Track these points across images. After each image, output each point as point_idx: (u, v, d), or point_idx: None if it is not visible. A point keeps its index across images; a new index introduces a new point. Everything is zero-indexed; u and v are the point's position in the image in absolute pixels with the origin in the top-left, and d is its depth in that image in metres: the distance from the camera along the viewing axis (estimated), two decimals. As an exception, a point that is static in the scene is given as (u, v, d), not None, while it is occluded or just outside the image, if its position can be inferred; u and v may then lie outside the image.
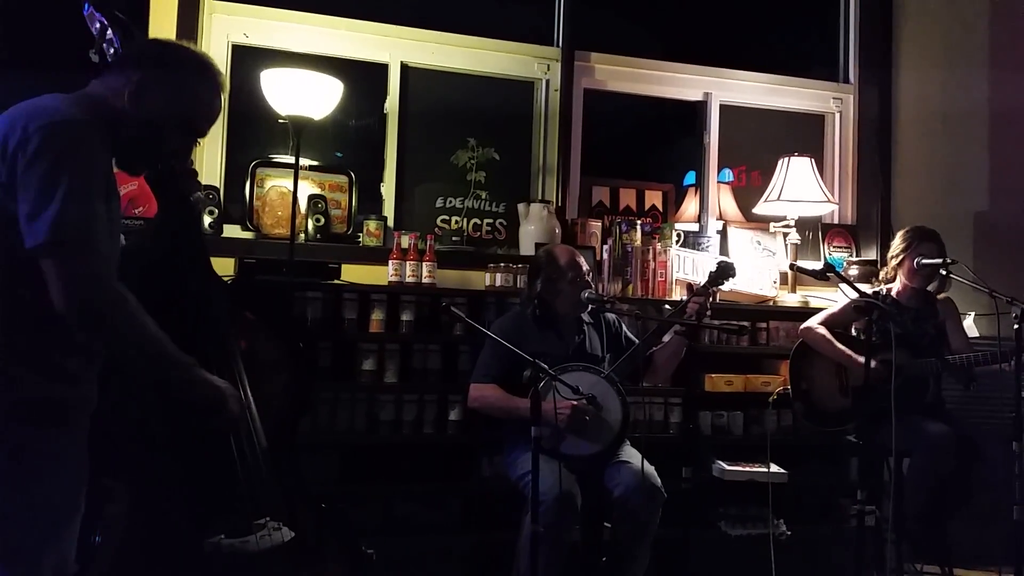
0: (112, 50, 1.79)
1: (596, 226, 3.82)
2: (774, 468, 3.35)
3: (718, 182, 4.30)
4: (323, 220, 3.54)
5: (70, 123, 1.55)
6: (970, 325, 3.68)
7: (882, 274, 3.54)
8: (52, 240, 1.48)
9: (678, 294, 3.70)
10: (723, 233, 4.11)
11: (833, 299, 3.76)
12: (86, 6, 1.82)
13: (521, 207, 3.80)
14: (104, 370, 1.70)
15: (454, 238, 3.78)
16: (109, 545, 1.84)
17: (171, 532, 1.85)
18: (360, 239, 3.60)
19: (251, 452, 1.91)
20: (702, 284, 3.12)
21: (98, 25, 1.81)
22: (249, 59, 3.61)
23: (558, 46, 4.06)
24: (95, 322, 1.56)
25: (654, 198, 4.23)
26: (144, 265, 1.90)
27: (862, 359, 2.91)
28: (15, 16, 3.11)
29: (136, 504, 1.88)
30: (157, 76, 1.70)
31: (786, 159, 3.97)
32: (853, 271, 3.94)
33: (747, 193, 4.32)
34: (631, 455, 2.91)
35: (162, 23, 3.39)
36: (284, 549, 1.88)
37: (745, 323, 3.41)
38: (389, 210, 3.77)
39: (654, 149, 4.78)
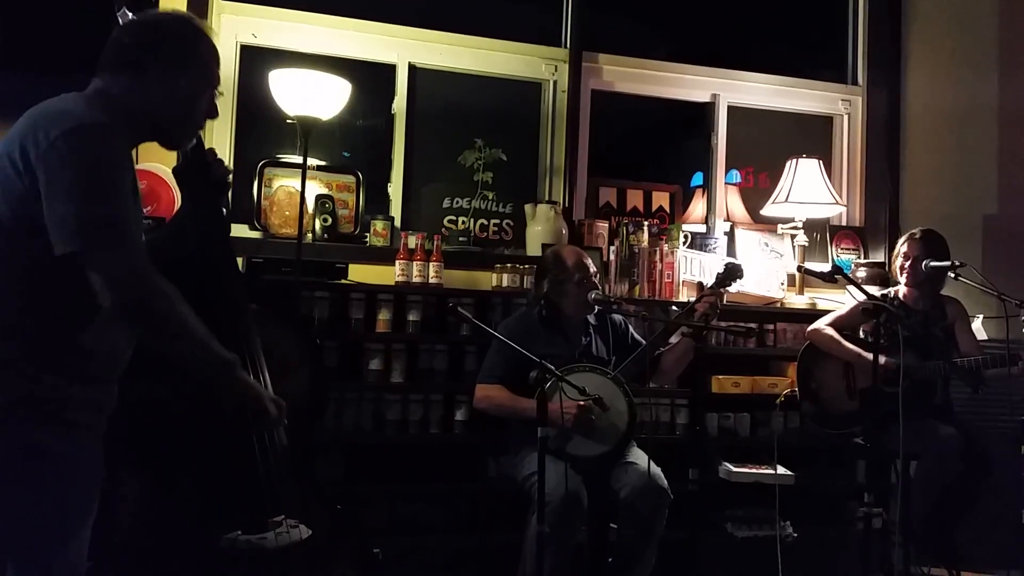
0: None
1: (603, 227, 3.81)
2: (781, 470, 3.35)
3: (726, 183, 4.29)
4: (330, 220, 3.55)
5: (93, 127, 1.55)
6: (978, 328, 3.67)
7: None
8: (92, 244, 1.50)
9: (685, 295, 3.69)
10: (730, 235, 4.10)
11: (841, 301, 3.75)
12: (119, 7, 1.82)
13: (528, 208, 3.80)
14: (127, 367, 1.70)
15: (461, 238, 3.78)
16: (125, 539, 1.84)
17: (189, 528, 1.85)
18: (367, 239, 3.60)
19: (272, 449, 1.91)
20: (710, 285, 3.11)
21: None
22: (257, 59, 3.62)
23: (566, 47, 4.05)
24: (146, 319, 1.57)
25: (661, 199, 4.23)
26: (166, 261, 1.90)
27: (871, 356, 2.90)
28: (48, 20, 3.12)
29: (155, 499, 1.88)
30: (159, 54, 1.70)
31: (794, 161, 3.96)
32: (861, 273, 3.93)
33: (755, 194, 4.31)
34: (638, 456, 2.90)
35: (171, 23, 3.39)
36: (298, 547, 1.88)
37: (752, 325, 3.41)
38: (396, 210, 3.78)
39: (662, 150, 4.77)
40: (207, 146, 1.99)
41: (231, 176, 2.00)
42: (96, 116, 1.58)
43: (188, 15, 1.84)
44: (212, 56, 1.80)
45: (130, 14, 1.82)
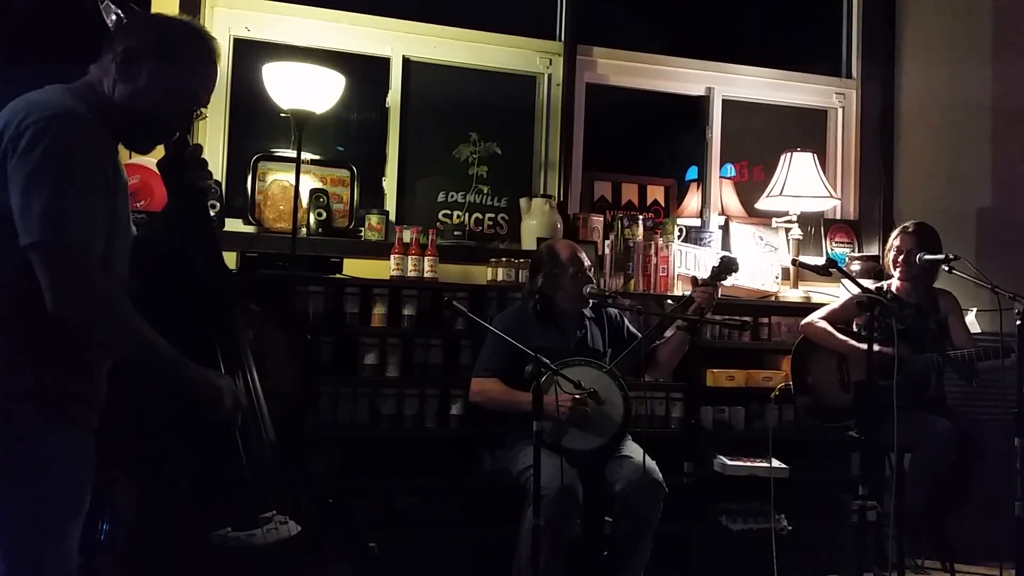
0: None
1: (598, 221, 3.81)
2: (775, 463, 3.36)
3: (720, 177, 4.29)
4: (325, 214, 3.54)
5: (64, 116, 1.53)
6: (972, 321, 3.68)
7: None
8: (38, 239, 1.47)
9: (680, 289, 3.70)
10: (725, 228, 4.11)
11: (835, 294, 3.76)
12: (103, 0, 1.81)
13: (523, 202, 3.80)
14: (114, 364, 1.70)
15: (456, 233, 3.77)
16: (115, 535, 1.84)
17: (177, 524, 1.85)
18: (362, 233, 3.59)
19: (258, 445, 1.91)
20: (705, 279, 3.11)
21: (114, 17, 1.81)
22: (251, 53, 3.60)
23: (560, 40, 4.05)
24: (81, 322, 1.54)
25: (656, 193, 4.23)
26: (155, 255, 1.89)
27: (864, 346, 2.92)
28: (31, 12, 3.11)
29: (143, 495, 1.88)
30: (141, 45, 1.68)
31: (788, 154, 3.96)
32: (855, 266, 3.94)
33: (749, 188, 4.31)
34: (633, 450, 2.91)
35: (164, 17, 3.38)
36: (290, 543, 1.88)
37: (747, 318, 3.41)
38: (391, 204, 3.77)
39: (656, 144, 4.77)
40: (199, 141, 1.98)
41: (210, 179, 1.96)
42: (72, 105, 1.56)
43: (207, 33, 1.79)
44: (202, 77, 1.75)
45: (114, 7, 1.80)
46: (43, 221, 1.46)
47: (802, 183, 3.90)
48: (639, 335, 3.11)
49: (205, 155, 1.93)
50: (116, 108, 1.66)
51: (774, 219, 4.05)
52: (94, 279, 1.53)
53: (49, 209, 1.46)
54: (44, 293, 1.49)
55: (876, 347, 2.91)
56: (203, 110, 1.80)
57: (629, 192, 4.19)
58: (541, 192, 3.91)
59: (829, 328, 3.39)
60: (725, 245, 4.04)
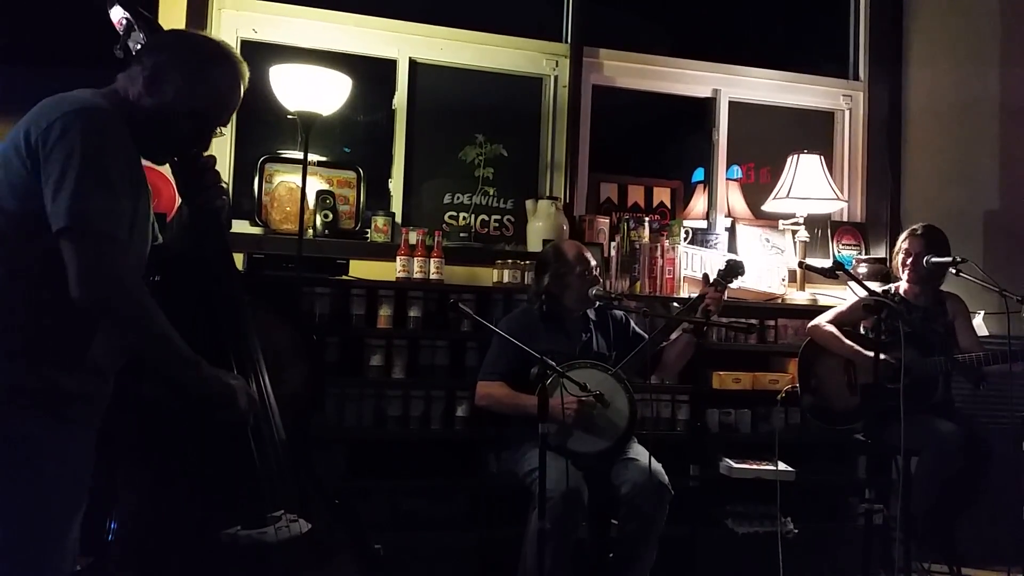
0: (138, 46, 1.80)
1: (604, 223, 3.81)
2: (782, 466, 3.34)
3: (727, 179, 4.28)
4: (331, 216, 3.55)
5: (91, 111, 1.57)
6: (979, 324, 3.67)
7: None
8: (69, 226, 1.50)
9: (686, 291, 3.69)
10: (731, 230, 4.10)
11: (842, 297, 3.75)
12: (111, 4, 1.82)
13: (529, 203, 3.80)
14: (126, 363, 1.71)
15: (462, 234, 3.78)
16: (124, 535, 1.85)
17: (187, 522, 1.85)
18: (368, 235, 3.60)
19: (270, 444, 1.92)
20: (712, 281, 3.10)
21: (123, 22, 1.82)
22: (258, 55, 3.60)
23: (567, 42, 4.05)
24: (103, 312, 1.57)
25: (662, 195, 4.22)
26: (168, 259, 1.91)
27: (871, 353, 2.91)
28: (41, 15, 3.13)
29: (152, 494, 1.88)
30: (171, 61, 1.71)
31: (795, 156, 3.95)
32: (862, 269, 3.93)
33: (756, 190, 4.30)
34: (638, 452, 2.91)
35: (171, 18, 3.40)
36: (299, 541, 1.89)
37: (753, 321, 3.41)
38: (397, 206, 3.77)
39: (663, 146, 4.77)
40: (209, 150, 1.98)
41: (224, 196, 1.96)
42: (99, 102, 1.61)
43: (237, 57, 1.80)
44: (227, 100, 1.77)
45: (122, 11, 1.82)
46: (71, 208, 1.50)
47: (809, 185, 3.89)
48: (645, 336, 3.11)
49: (213, 156, 1.93)
50: (139, 117, 1.68)
51: (781, 221, 4.04)
52: (117, 266, 1.56)
53: (77, 196, 1.50)
54: (69, 279, 1.52)
55: (882, 356, 2.90)
56: (221, 129, 1.82)
57: (635, 194, 4.19)
58: (547, 194, 3.91)
59: (836, 332, 3.38)
60: (731, 247, 4.03)
